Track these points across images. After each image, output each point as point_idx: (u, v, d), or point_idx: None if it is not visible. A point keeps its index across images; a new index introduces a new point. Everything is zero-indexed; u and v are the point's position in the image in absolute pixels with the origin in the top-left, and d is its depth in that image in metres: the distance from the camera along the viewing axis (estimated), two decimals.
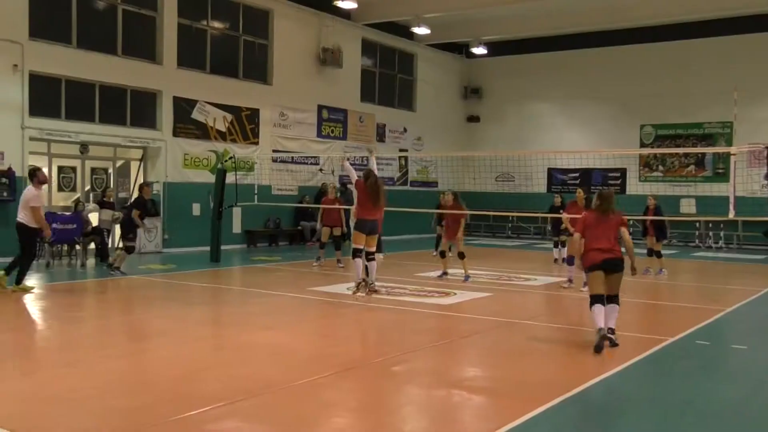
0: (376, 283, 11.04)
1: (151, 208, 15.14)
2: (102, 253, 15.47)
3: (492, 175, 25.84)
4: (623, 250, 8.00)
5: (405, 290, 12.01)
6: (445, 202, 13.86)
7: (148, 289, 12.33)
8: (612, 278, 7.89)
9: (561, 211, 15.63)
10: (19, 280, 11.08)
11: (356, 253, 10.94)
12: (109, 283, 13.32)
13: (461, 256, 13.42)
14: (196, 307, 10.71)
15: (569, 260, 12.84)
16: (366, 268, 11.16)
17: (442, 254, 13.90)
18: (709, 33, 23.71)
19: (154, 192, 18.27)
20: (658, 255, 15.30)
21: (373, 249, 10.78)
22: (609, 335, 7.77)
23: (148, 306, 10.73)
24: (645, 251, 15.55)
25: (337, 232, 15.76)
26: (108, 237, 15.80)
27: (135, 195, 14.69)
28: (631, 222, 19.06)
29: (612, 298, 7.94)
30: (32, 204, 10.89)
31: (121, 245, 14.95)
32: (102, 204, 15.66)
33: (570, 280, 12.89)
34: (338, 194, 21.36)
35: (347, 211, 20.32)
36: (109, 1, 17.48)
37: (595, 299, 7.82)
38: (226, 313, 10.38)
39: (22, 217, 11.05)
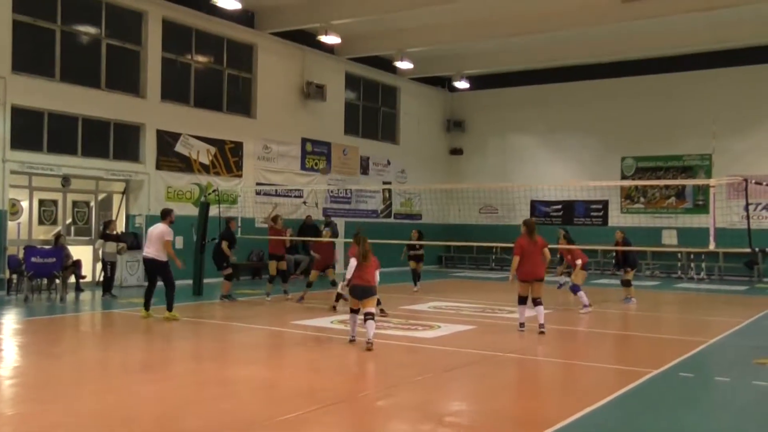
0: (373, 340, 9.82)
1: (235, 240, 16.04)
2: (107, 285, 15.39)
3: (475, 207, 25.96)
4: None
5: (389, 323, 11.96)
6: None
7: (130, 324, 12.19)
8: (536, 286, 11.15)
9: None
10: (170, 308, 12.19)
11: (351, 311, 10.31)
12: (90, 318, 13.19)
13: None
14: (179, 342, 10.60)
15: (575, 288, 14.21)
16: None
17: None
18: (687, 67, 24.18)
19: (136, 225, 18.20)
20: (625, 284, 15.60)
21: (372, 310, 10.00)
22: (542, 330, 10.91)
23: (129, 341, 10.59)
24: (603, 282, 15.78)
25: (282, 266, 15.64)
26: (114, 269, 15.69)
27: (222, 228, 15.92)
28: (614, 253, 19.11)
29: (537, 301, 11.15)
30: (167, 238, 12.09)
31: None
32: (106, 237, 15.55)
33: (586, 305, 13.97)
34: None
35: (334, 243, 20.29)
36: (92, 35, 17.54)
37: (522, 300, 11.22)
38: (208, 347, 10.27)
39: (151, 252, 12.13)
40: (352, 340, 10.09)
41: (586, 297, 14.02)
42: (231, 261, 15.36)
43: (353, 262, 10.04)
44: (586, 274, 14.69)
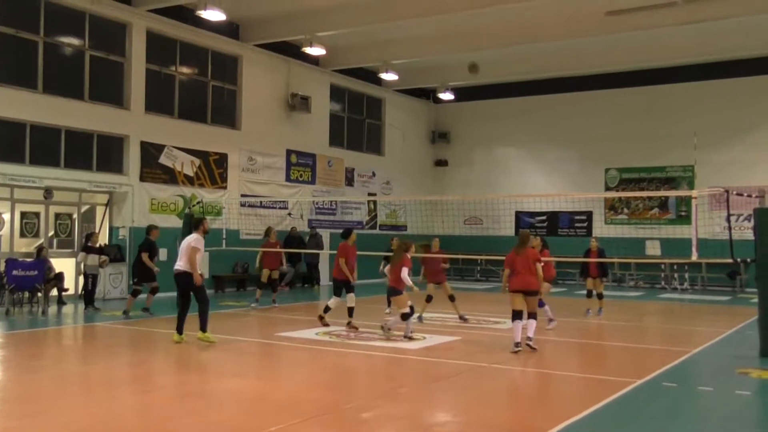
0: (411, 333, 11.68)
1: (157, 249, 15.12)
2: (89, 298, 15.22)
3: (460, 219, 26.02)
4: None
5: (374, 335, 11.94)
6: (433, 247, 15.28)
7: (113, 337, 12.09)
8: (529, 299, 10.58)
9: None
10: (204, 328, 10.87)
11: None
12: (72, 331, 13.06)
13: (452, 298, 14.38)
14: (163, 355, 10.51)
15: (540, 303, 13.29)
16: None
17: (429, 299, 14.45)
18: (670, 79, 24.45)
19: (120, 237, 18.08)
20: (600, 296, 15.30)
21: (405, 311, 11.45)
22: (528, 342, 10.40)
23: (113, 354, 10.50)
24: (585, 292, 15.58)
25: (275, 274, 16.41)
26: (96, 282, 15.55)
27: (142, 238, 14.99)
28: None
29: (531, 315, 10.61)
30: (194, 245, 10.83)
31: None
32: (88, 249, 15.43)
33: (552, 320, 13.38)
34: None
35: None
36: (76, 46, 17.47)
37: (516, 315, 10.51)
38: (193, 360, 10.19)
39: (182, 264, 10.88)
40: (384, 327, 11.69)
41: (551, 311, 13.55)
42: (154, 272, 14.42)
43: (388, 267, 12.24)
44: (550, 287, 14.31)
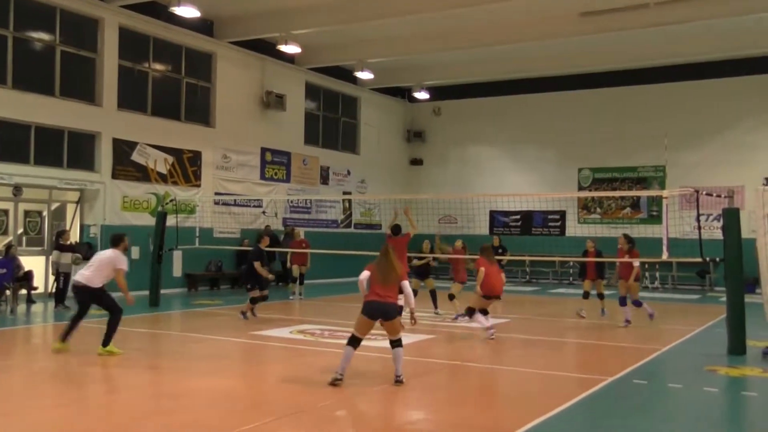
0: (401, 376, 8.18)
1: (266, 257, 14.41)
2: (60, 297, 14.98)
3: (435, 218, 26.06)
4: None
5: (348, 333, 11.90)
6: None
7: (84, 336, 11.91)
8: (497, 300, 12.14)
9: (500, 251, 16.92)
10: (107, 341, 9.77)
11: (351, 339, 8.30)
12: (42, 330, 12.89)
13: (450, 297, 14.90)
14: (134, 354, 10.40)
15: (622, 300, 13.80)
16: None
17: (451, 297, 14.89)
18: (642, 81, 24.75)
19: (91, 235, 17.87)
20: (601, 296, 15.33)
21: (397, 337, 8.24)
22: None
23: (83, 353, 10.37)
24: (590, 294, 15.53)
25: (303, 270, 18.15)
26: (68, 281, 15.27)
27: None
28: (571, 263, 19.43)
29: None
30: (119, 266, 9.76)
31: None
32: (61, 248, 15.21)
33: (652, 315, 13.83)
34: (283, 237, 21.13)
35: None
36: (47, 41, 17.23)
37: (482, 312, 11.85)
38: (165, 359, 10.11)
39: (83, 277, 9.73)
40: (337, 380, 7.96)
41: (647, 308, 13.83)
42: (268, 280, 14.03)
43: (365, 274, 8.32)
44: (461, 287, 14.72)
